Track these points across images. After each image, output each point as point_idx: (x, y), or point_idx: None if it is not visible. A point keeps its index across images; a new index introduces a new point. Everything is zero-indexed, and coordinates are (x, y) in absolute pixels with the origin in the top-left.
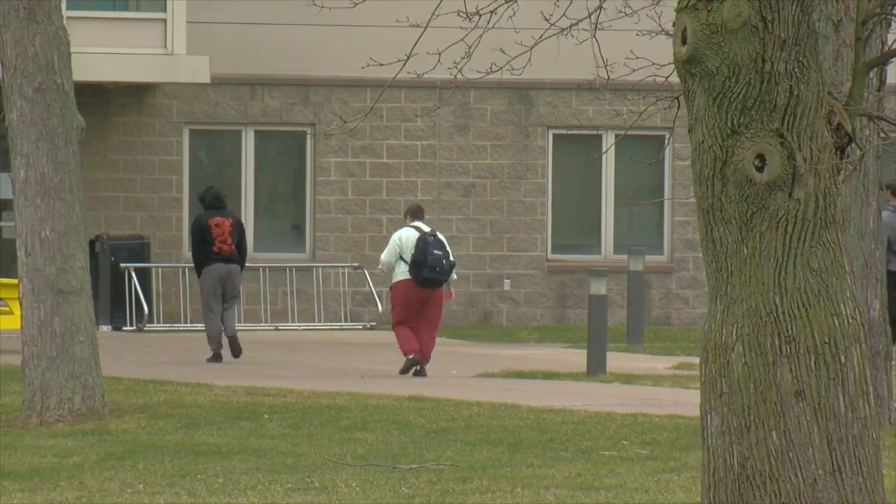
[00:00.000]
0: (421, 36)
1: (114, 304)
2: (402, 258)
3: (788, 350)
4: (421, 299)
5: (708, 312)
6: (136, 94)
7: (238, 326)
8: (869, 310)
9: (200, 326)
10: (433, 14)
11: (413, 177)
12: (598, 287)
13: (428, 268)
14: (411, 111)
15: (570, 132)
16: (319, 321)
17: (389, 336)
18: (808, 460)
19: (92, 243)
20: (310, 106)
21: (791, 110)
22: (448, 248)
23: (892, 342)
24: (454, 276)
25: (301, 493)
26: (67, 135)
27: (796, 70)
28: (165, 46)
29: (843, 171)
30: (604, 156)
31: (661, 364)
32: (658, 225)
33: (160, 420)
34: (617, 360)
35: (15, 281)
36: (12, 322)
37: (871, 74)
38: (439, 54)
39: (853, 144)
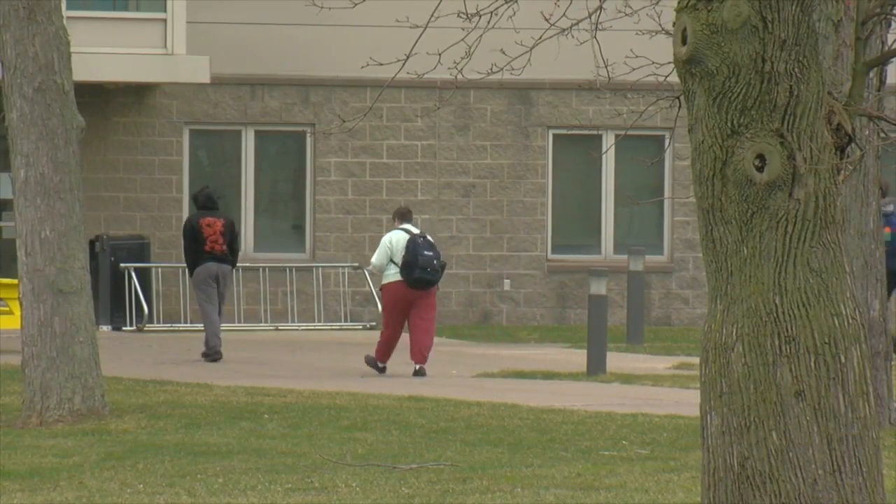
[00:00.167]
0: (421, 36)
1: (114, 304)
2: (392, 260)
3: (788, 350)
4: (411, 300)
5: (708, 312)
6: (136, 94)
7: (238, 326)
8: (869, 310)
9: (200, 326)
10: (433, 14)
11: (413, 177)
12: (598, 287)
13: (419, 269)
14: (411, 111)
15: (570, 132)
16: (319, 321)
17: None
18: (808, 460)
19: (92, 243)
20: (310, 106)
21: (791, 110)
22: (438, 250)
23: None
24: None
25: (301, 493)
26: (67, 135)
27: (796, 70)
28: (165, 46)
29: (843, 171)
30: (604, 156)
31: (661, 364)
32: (658, 225)
33: (160, 420)
34: (617, 360)
35: (15, 281)
36: (12, 322)
37: (871, 74)
38: (439, 54)
39: (853, 144)
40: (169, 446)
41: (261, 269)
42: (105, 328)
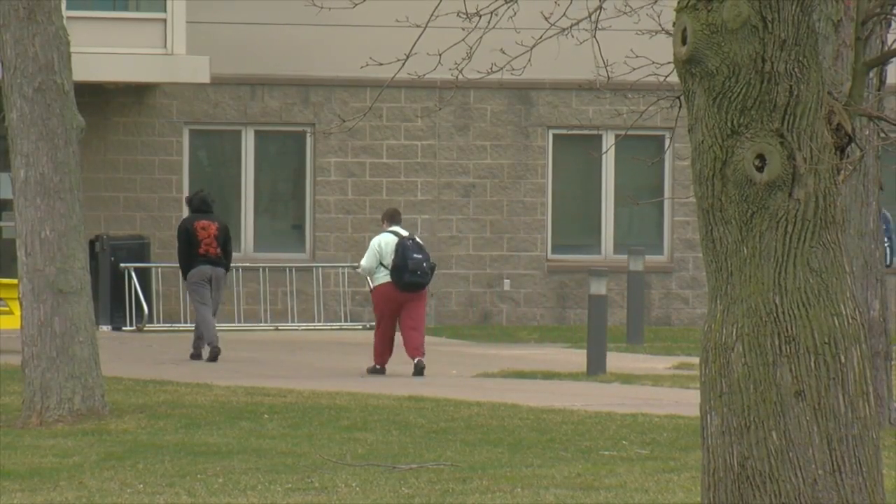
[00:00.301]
0: (420, 36)
1: (114, 304)
2: (381, 263)
3: (788, 350)
4: (402, 302)
5: (708, 312)
6: (136, 94)
7: (238, 326)
8: (869, 310)
9: None
10: (433, 14)
11: (413, 177)
12: (598, 287)
13: (409, 272)
14: (411, 111)
15: (570, 132)
16: (319, 321)
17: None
18: (808, 460)
19: (92, 243)
20: (310, 106)
21: (791, 110)
22: (427, 252)
23: None
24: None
25: (301, 493)
26: (67, 135)
27: (796, 70)
28: (165, 46)
29: (843, 171)
30: (604, 156)
31: (661, 364)
32: (658, 225)
33: (160, 420)
34: (617, 360)
35: (15, 281)
36: (12, 322)
37: (871, 74)
38: (439, 55)
39: (853, 144)
40: (169, 446)
41: (261, 269)
42: (105, 328)
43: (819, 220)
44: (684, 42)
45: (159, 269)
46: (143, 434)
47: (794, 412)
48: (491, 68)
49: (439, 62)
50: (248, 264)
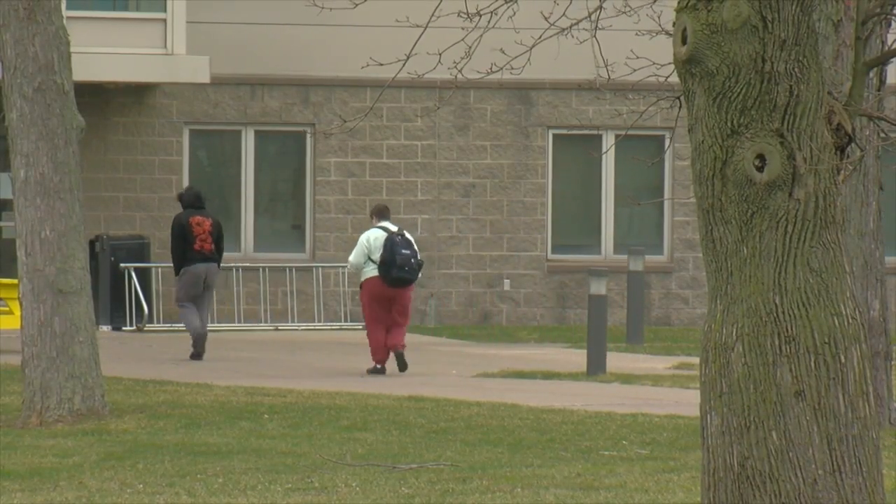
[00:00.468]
0: (421, 36)
1: (114, 304)
2: (370, 258)
3: (788, 350)
4: (389, 297)
5: (708, 312)
6: (136, 94)
7: (238, 326)
8: (869, 310)
9: None
10: (433, 14)
11: (413, 177)
12: (598, 287)
13: (397, 267)
14: (411, 111)
15: (570, 132)
16: (319, 321)
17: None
18: (808, 460)
19: (92, 243)
20: (310, 106)
21: (791, 110)
22: (416, 248)
23: None
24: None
25: (301, 493)
26: (67, 135)
27: (796, 70)
28: (165, 46)
29: (843, 171)
30: (604, 156)
31: (661, 364)
32: (658, 225)
33: (160, 420)
34: (617, 360)
35: (15, 281)
36: (12, 322)
37: (871, 74)
38: (439, 54)
39: (853, 144)
40: (169, 446)
41: (261, 269)
42: (105, 328)
43: (819, 220)
44: (684, 42)
45: (159, 269)
46: (143, 434)
47: (794, 412)
48: (491, 68)
49: (439, 61)
50: (248, 264)
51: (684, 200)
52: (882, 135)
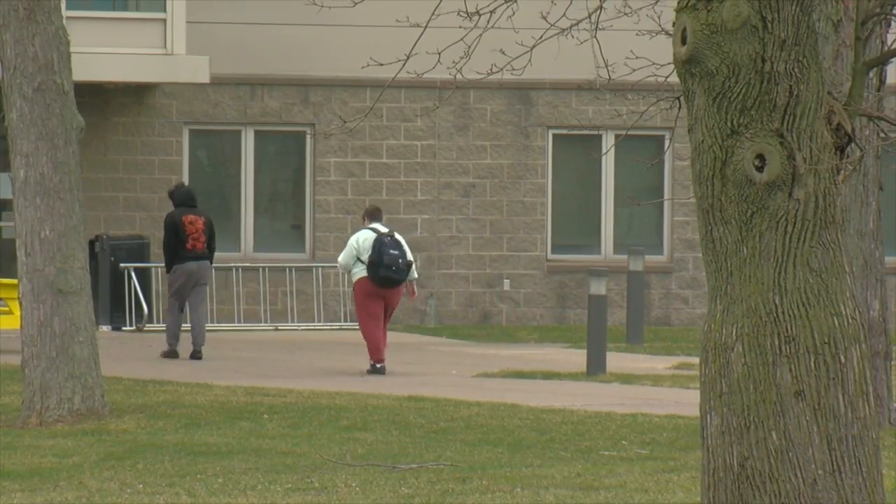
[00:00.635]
0: (421, 36)
1: (113, 304)
2: (359, 259)
3: (788, 350)
4: (381, 297)
5: (708, 312)
6: (136, 94)
7: (238, 326)
8: (869, 310)
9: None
10: (433, 14)
11: (413, 177)
12: (598, 287)
13: (384, 267)
14: (411, 111)
15: (570, 132)
16: (319, 321)
17: (389, 336)
18: (808, 460)
19: (92, 243)
20: (310, 106)
21: (791, 110)
22: (405, 248)
23: None
24: (415, 274)
25: (301, 493)
26: (67, 135)
27: (796, 70)
28: (165, 46)
29: (843, 171)
30: (604, 156)
31: (660, 364)
32: (658, 225)
33: (160, 420)
34: (617, 360)
35: (15, 281)
36: (12, 322)
37: (871, 74)
38: (439, 54)
39: (853, 144)
40: (169, 446)
41: (260, 269)
42: (105, 328)
43: (819, 220)
44: (684, 42)
45: (159, 269)
46: (142, 434)
47: (793, 412)
48: (491, 68)
49: (439, 62)
50: (247, 264)
51: (684, 200)
52: (882, 135)
